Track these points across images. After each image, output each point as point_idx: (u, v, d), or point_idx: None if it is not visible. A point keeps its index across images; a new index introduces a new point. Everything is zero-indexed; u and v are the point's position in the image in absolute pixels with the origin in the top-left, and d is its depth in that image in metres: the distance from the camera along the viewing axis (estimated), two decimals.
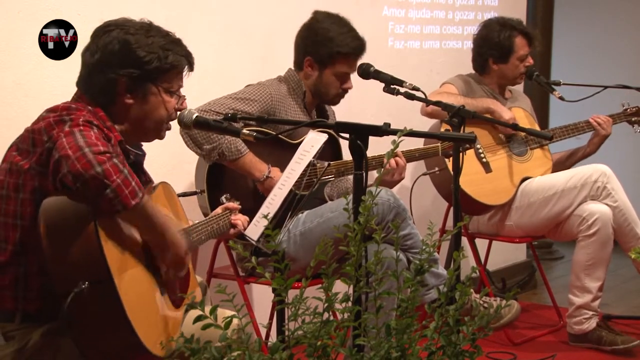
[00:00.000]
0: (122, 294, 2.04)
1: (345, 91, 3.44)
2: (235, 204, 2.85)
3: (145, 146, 2.64)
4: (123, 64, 2.25)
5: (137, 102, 2.29)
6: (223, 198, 2.90)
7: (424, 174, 3.68)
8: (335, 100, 3.47)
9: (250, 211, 2.91)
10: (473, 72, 4.27)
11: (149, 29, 2.29)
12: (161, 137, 2.41)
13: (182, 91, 2.40)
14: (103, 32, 2.27)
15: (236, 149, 3.16)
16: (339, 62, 3.37)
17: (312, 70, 3.40)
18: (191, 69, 2.38)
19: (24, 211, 2.15)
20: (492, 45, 4.14)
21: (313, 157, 2.97)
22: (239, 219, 2.81)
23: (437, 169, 3.67)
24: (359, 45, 3.38)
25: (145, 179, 2.39)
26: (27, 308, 2.17)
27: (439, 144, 3.60)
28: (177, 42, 2.34)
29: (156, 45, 2.27)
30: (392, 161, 3.31)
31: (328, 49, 3.35)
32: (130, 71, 2.25)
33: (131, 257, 2.15)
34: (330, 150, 3.37)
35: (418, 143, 3.73)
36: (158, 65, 2.27)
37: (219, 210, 2.79)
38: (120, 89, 2.26)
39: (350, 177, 3.42)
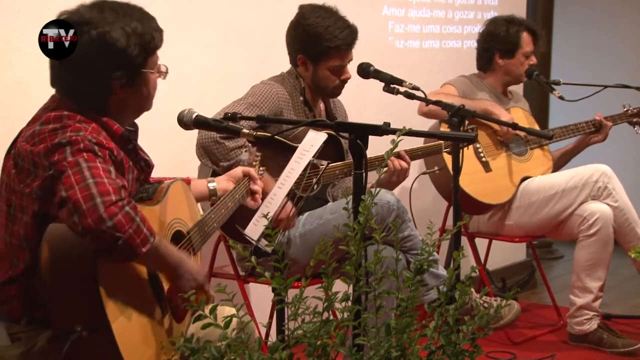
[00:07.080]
0: (119, 339, 2.00)
1: (345, 82, 3.40)
2: (256, 171, 2.77)
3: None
4: (111, 66, 2.20)
5: (131, 93, 2.25)
6: (244, 152, 2.83)
7: (423, 173, 3.65)
8: (336, 92, 3.43)
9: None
10: (475, 72, 4.27)
11: (120, 16, 2.20)
12: (149, 108, 2.35)
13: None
14: (79, 33, 2.18)
15: None
16: (331, 56, 3.32)
17: (306, 67, 3.38)
18: (162, 39, 2.31)
19: (27, 234, 2.15)
20: (499, 39, 4.14)
21: (313, 157, 2.95)
22: (260, 190, 2.76)
23: (436, 168, 3.65)
24: (349, 35, 3.32)
25: (144, 156, 2.35)
26: (34, 315, 2.16)
27: (442, 141, 3.58)
28: (149, 19, 2.27)
29: (135, 33, 2.20)
30: (395, 162, 3.29)
31: (318, 45, 3.30)
32: (121, 70, 2.20)
33: (132, 290, 2.10)
34: (334, 151, 3.35)
35: (418, 142, 3.72)
36: (144, 54, 2.23)
37: (239, 172, 2.74)
38: (115, 89, 2.23)
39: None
